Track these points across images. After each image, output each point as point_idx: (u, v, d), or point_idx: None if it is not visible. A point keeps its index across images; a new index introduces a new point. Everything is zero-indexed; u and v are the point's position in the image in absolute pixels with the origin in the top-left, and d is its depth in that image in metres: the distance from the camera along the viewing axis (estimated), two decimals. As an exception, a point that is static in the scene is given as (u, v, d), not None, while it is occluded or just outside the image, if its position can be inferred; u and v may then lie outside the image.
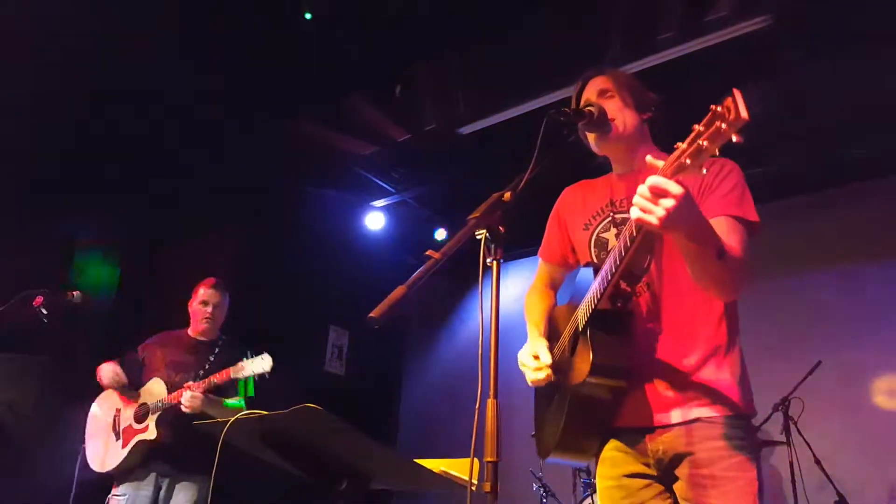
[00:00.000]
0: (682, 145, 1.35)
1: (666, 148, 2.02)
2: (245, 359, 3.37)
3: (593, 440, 1.90)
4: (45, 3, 3.85)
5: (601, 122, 1.89)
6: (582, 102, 1.99)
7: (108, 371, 3.60)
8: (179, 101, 4.65)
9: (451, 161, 5.54)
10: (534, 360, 1.90)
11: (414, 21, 4.33)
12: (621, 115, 1.94)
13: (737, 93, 1.23)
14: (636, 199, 1.45)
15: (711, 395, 1.75)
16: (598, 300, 1.75)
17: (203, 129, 4.94)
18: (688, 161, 1.34)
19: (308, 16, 4.21)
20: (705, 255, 1.58)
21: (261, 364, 3.32)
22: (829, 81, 4.36)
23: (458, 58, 4.66)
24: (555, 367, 1.89)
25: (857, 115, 4.62)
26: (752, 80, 4.30)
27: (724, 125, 1.24)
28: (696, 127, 1.30)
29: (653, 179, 1.41)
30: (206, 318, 3.73)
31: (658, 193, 1.40)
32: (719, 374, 1.78)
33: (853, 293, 4.99)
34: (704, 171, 1.34)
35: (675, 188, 1.39)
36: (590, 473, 4.74)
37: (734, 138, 1.25)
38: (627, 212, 1.88)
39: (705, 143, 1.28)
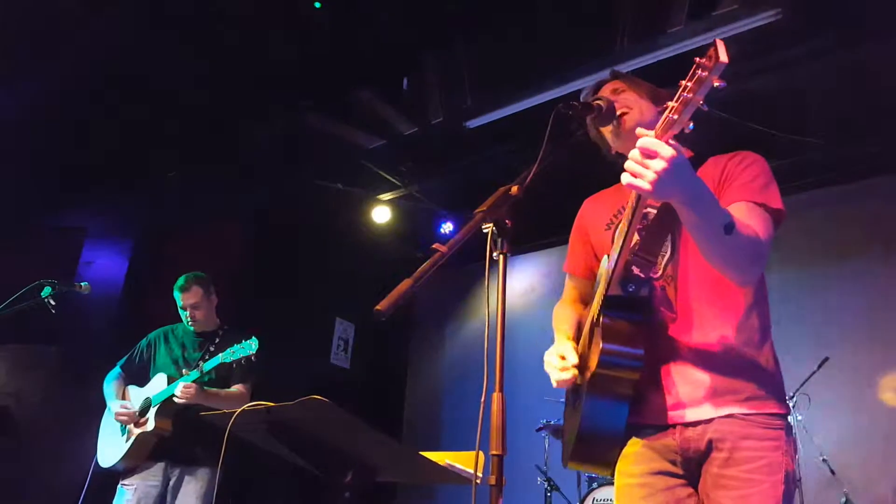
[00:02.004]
0: (671, 103, 1.36)
1: (685, 144, 2.01)
2: (235, 344, 3.40)
3: (612, 444, 1.76)
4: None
5: (609, 116, 1.85)
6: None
7: (115, 407, 3.60)
8: (185, 95, 4.66)
9: (458, 154, 5.53)
10: (559, 360, 1.80)
11: (421, 14, 4.32)
12: (637, 106, 1.90)
13: (718, 42, 1.26)
14: (627, 163, 1.41)
15: (745, 390, 1.68)
16: (608, 286, 1.69)
17: (209, 122, 4.94)
18: (675, 116, 1.34)
19: (317, 4, 4.20)
20: (709, 228, 1.52)
21: (249, 347, 3.35)
22: (839, 76, 4.33)
23: (466, 51, 4.65)
24: (579, 366, 1.81)
25: (867, 111, 4.60)
26: (761, 74, 4.29)
27: (704, 73, 1.27)
28: (682, 82, 1.32)
29: (642, 141, 1.39)
30: (190, 320, 3.74)
31: (648, 155, 1.38)
32: (753, 369, 1.70)
33: (861, 289, 4.97)
34: (692, 126, 1.35)
35: (666, 150, 1.36)
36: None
37: (715, 83, 1.28)
38: (650, 206, 1.82)
39: (690, 94, 1.31)
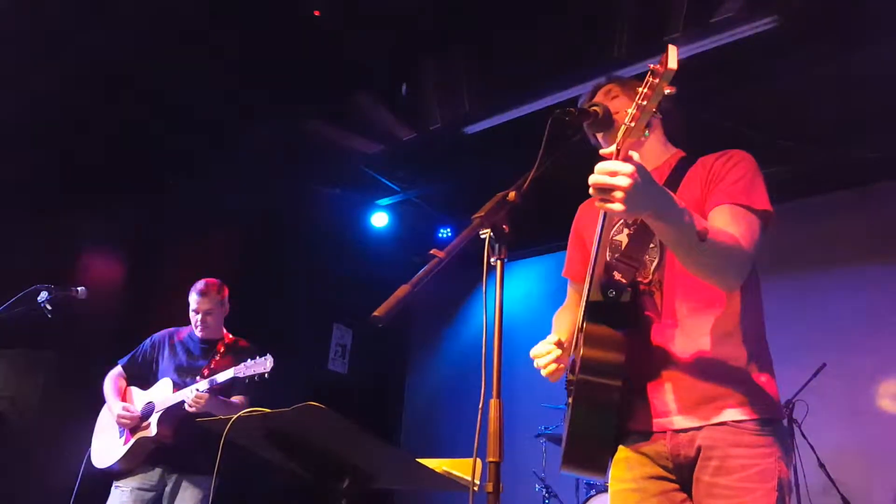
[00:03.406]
0: (630, 110, 1.38)
1: (684, 147, 2.01)
2: (249, 359, 3.37)
3: (602, 448, 1.72)
4: (52, 1, 3.86)
5: (606, 122, 1.85)
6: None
7: (117, 409, 3.57)
8: (185, 99, 4.66)
9: (456, 160, 5.54)
10: (544, 346, 1.82)
11: (421, 20, 4.33)
12: (625, 110, 1.91)
13: (670, 47, 1.28)
14: (591, 189, 1.40)
15: (738, 395, 1.67)
16: (589, 292, 1.69)
17: (208, 126, 4.94)
18: (633, 124, 1.37)
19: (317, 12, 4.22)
20: (684, 238, 1.52)
21: (263, 364, 3.32)
22: (837, 82, 4.34)
23: (465, 57, 4.66)
24: (571, 368, 1.82)
25: (864, 117, 4.60)
26: (758, 81, 4.30)
27: (656, 80, 1.29)
28: (639, 89, 1.35)
29: (599, 166, 1.38)
30: (199, 326, 3.71)
31: (610, 175, 1.37)
32: (743, 376, 1.69)
33: (859, 296, 4.97)
34: (647, 133, 1.38)
35: (624, 167, 1.35)
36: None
37: (667, 90, 1.30)
38: None
39: (645, 101, 1.33)
